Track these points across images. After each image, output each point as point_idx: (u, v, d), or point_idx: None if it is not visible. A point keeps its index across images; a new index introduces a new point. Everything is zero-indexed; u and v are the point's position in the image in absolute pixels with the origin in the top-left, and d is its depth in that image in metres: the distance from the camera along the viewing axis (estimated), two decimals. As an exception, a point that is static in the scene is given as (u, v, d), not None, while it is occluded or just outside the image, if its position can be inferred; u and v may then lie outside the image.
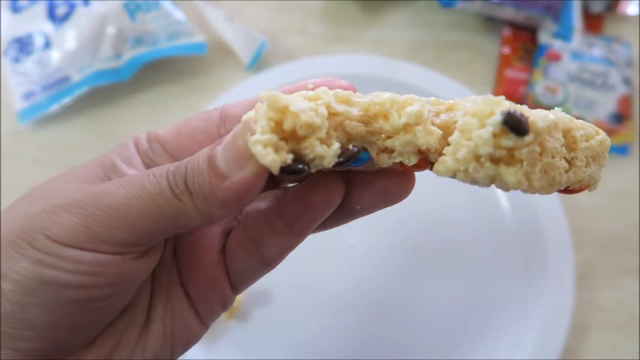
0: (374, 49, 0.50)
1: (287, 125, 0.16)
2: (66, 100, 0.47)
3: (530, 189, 0.17)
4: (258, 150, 0.16)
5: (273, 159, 0.16)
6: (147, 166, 0.21)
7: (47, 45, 0.48)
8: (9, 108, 0.48)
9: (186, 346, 0.21)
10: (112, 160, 0.20)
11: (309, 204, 0.19)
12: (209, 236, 0.22)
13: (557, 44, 0.47)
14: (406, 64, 0.46)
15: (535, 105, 0.46)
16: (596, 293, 0.42)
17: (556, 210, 0.42)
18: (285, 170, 0.17)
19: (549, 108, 0.47)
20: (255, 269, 0.21)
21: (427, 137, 0.18)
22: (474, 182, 0.18)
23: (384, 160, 0.19)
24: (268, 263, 0.21)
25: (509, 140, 0.16)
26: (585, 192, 0.49)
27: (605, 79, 0.46)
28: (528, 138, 0.16)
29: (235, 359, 0.40)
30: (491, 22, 0.51)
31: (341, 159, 0.17)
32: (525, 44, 0.49)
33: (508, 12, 0.47)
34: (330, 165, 0.17)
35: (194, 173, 0.17)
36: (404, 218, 0.43)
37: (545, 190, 0.18)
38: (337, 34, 0.51)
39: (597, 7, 0.50)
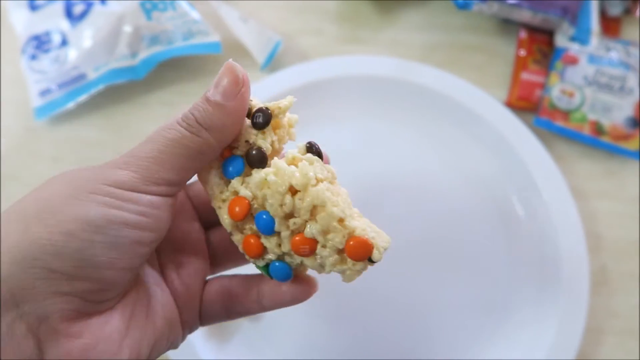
0: (388, 50, 0.50)
1: None
2: (82, 97, 0.47)
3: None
4: None
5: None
6: None
7: (64, 43, 0.48)
8: (26, 105, 0.48)
9: (172, 345, 0.24)
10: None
11: (284, 297, 0.25)
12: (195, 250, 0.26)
13: (574, 47, 0.47)
14: (421, 66, 0.46)
15: (551, 109, 0.46)
16: (611, 299, 0.42)
17: (572, 215, 0.41)
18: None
19: (565, 112, 0.47)
20: (220, 318, 0.26)
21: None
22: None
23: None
24: (230, 317, 0.26)
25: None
26: (602, 197, 0.48)
27: (623, 83, 0.46)
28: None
29: (248, 358, 0.40)
30: (507, 25, 0.51)
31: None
32: (541, 47, 0.49)
33: (525, 15, 0.47)
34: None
35: (202, 113, 0.21)
36: (418, 221, 0.43)
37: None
38: (352, 35, 0.51)
39: (614, 10, 0.50)
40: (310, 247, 0.22)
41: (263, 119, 0.23)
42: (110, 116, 0.48)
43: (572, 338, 0.38)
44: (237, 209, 0.22)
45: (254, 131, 0.23)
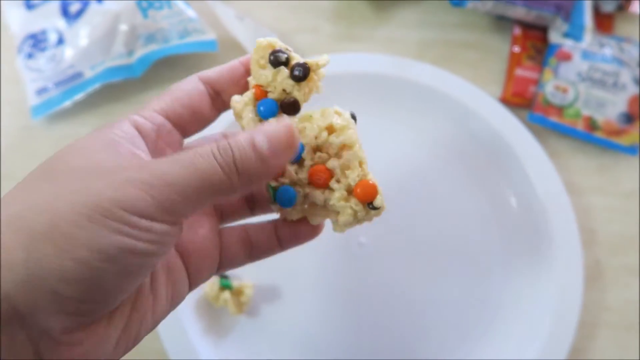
0: (384, 47, 0.50)
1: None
2: (79, 96, 0.47)
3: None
4: None
5: None
6: (154, 144, 0.24)
7: (61, 42, 0.48)
8: (23, 104, 0.48)
9: (175, 307, 0.25)
10: (112, 138, 0.22)
11: (298, 232, 0.27)
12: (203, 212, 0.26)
13: (567, 44, 0.47)
14: (416, 63, 0.46)
15: (546, 105, 0.46)
16: (605, 293, 0.42)
17: (566, 210, 0.42)
18: (271, 55, 0.25)
19: (559, 108, 0.47)
20: (241, 262, 0.27)
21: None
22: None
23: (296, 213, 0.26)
24: (252, 260, 0.27)
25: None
26: (596, 192, 0.49)
27: (616, 79, 0.46)
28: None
29: (244, 355, 0.40)
30: (501, 22, 0.51)
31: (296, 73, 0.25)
32: (535, 43, 0.49)
33: (519, 12, 0.47)
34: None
35: (242, 157, 0.21)
36: (412, 217, 0.44)
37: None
38: (347, 33, 0.51)
39: (608, 7, 0.50)
40: (326, 177, 0.24)
41: (303, 74, 0.24)
42: (107, 114, 0.48)
43: (566, 332, 0.39)
44: None
45: (291, 82, 0.25)
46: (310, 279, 0.42)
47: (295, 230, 0.27)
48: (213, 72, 0.26)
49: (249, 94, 0.25)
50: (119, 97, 0.49)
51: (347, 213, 0.24)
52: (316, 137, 0.25)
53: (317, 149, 0.25)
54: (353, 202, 0.24)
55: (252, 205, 0.29)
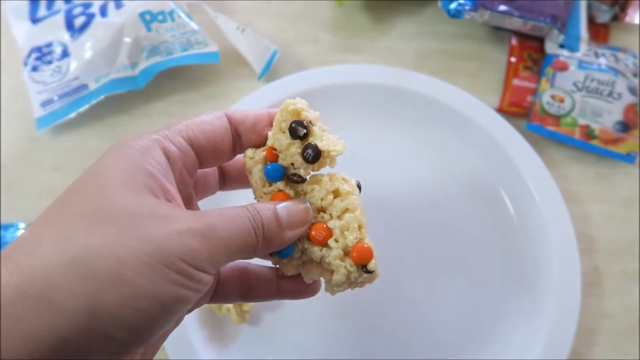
0: (383, 58, 0.51)
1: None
2: (83, 108, 0.48)
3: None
4: None
5: None
6: (180, 173, 0.24)
7: (65, 54, 0.49)
8: (28, 116, 0.49)
9: (175, 325, 0.25)
10: (149, 170, 0.22)
11: (300, 286, 0.27)
12: None
13: (563, 54, 0.48)
14: (415, 73, 0.47)
15: (542, 114, 0.47)
16: (604, 300, 0.43)
17: (563, 218, 0.42)
18: (291, 126, 0.25)
19: (556, 117, 0.48)
20: (234, 299, 0.28)
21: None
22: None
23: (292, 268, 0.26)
24: (245, 300, 0.28)
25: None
26: (594, 200, 0.49)
27: (612, 88, 0.47)
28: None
29: (247, 362, 0.40)
30: (498, 32, 0.52)
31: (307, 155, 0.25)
32: (531, 53, 0.50)
33: (515, 23, 0.48)
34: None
35: (268, 224, 0.23)
36: (412, 226, 0.44)
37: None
38: (347, 44, 0.52)
39: (603, 17, 0.51)
40: (325, 234, 0.25)
41: (312, 158, 0.25)
42: (111, 126, 0.49)
43: (565, 338, 0.39)
44: (278, 197, 0.26)
45: (301, 160, 0.25)
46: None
47: (297, 284, 0.27)
48: (240, 113, 0.26)
49: (261, 153, 0.26)
50: (122, 109, 0.50)
51: (341, 272, 0.25)
52: (322, 199, 0.26)
53: (321, 209, 0.26)
54: (348, 263, 0.25)
55: (223, 180, 0.30)
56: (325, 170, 0.27)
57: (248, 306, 0.41)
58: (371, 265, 0.25)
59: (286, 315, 0.42)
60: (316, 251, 0.25)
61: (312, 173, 0.26)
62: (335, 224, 0.25)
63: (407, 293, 0.42)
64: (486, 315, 0.41)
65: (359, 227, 0.25)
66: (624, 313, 0.42)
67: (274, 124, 0.26)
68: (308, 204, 0.25)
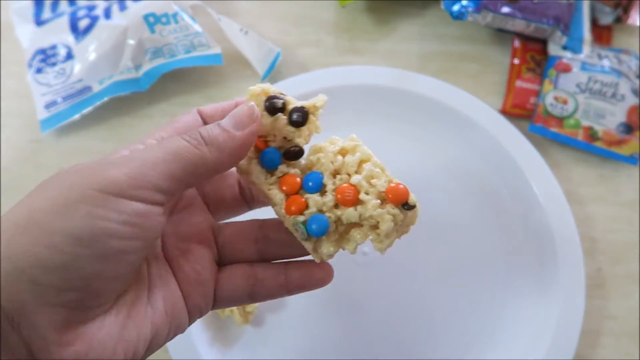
0: (386, 60, 0.51)
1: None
2: (87, 110, 0.48)
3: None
4: (253, 89, 0.25)
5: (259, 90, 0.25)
6: None
7: (69, 56, 0.49)
8: (32, 117, 0.49)
9: (177, 332, 0.24)
10: None
11: (310, 276, 0.26)
12: (202, 246, 0.26)
13: (566, 56, 0.48)
14: (418, 75, 0.47)
15: (546, 115, 0.47)
16: (608, 302, 0.43)
17: (567, 219, 0.42)
18: (267, 103, 0.25)
19: (559, 119, 0.48)
20: (241, 301, 0.26)
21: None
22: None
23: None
24: (252, 300, 0.27)
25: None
26: (597, 202, 0.49)
27: (615, 90, 0.47)
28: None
29: (250, 364, 0.40)
30: (501, 34, 0.52)
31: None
32: (534, 55, 0.50)
33: (518, 25, 0.48)
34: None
35: (208, 131, 0.22)
36: (416, 226, 0.44)
37: None
38: (349, 46, 0.52)
39: (606, 19, 0.51)
40: (354, 192, 0.24)
41: (302, 119, 0.25)
42: (114, 127, 0.49)
43: (569, 340, 0.39)
44: (288, 185, 0.25)
45: (291, 128, 0.25)
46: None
47: (306, 273, 0.26)
48: (210, 107, 0.27)
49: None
50: (126, 111, 0.50)
51: (386, 219, 0.24)
52: (332, 162, 0.25)
53: (335, 173, 0.25)
54: (389, 207, 0.24)
55: (251, 198, 0.29)
56: (314, 142, 0.26)
57: (251, 307, 0.41)
58: (411, 200, 0.24)
59: (289, 316, 0.42)
60: (351, 212, 0.24)
61: (308, 148, 0.26)
62: (358, 178, 0.24)
63: (410, 294, 0.42)
64: (490, 316, 0.41)
65: (382, 171, 0.25)
66: (627, 315, 0.42)
67: None
68: (252, 103, 0.24)
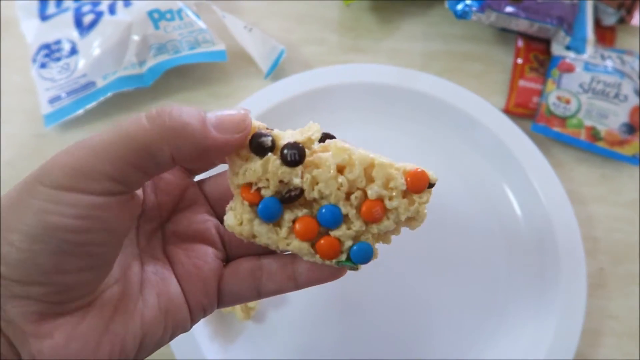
0: (389, 59, 0.51)
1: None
2: (91, 105, 0.48)
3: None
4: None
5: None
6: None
7: (74, 52, 0.49)
8: (36, 112, 0.49)
9: (177, 330, 0.24)
10: None
11: (319, 272, 0.25)
12: (208, 252, 0.25)
13: (570, 56, 0.48)
14: (421, 74, 0.47)
15: (548, 115, 0.47)
16: (609, 301, 0.43)
17: (569, 219, 0.42)
18: (253, 142, 0.21)
19: (562, 119, 0.48)
20: (248, 296, 0.25)
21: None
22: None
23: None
24: (260, 295, 0.25)
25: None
26: (599, 201, 0.49)
27: (618, 90, 0.47)
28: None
29: (251, 359, 0.40)
30: (505, 34, 0.52)
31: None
32: (537, 55, 0.50)
33: (521, 24, 0.48)
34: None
35: (178, 113, 0.20)
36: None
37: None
38: (353, 44, 0.52)
39: (609, 20, 0.51)
40: (381, 207, 0.22)
41: (298, 157, 0.21)
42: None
43: (570, 339, 0.39)
44: (306, 232, 0.22)
45: (287, 169, 0.21)
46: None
47: (317, 265, 0.24)
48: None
49: (240, 206, 0.22)
50: (129, 106, 0.50)
51: (421, 212, 0.23)
52: (339, 188, 0.22)
53: (348, 194, 0.23)
54: (417, 200, 0.23)
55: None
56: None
57: (253, 303, 0.41)
58: (433, 179, 0.23)
59: (291, 312, 0.42)
60: (387, 224, 0.23)
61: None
62: (374, 190, 0.22)
63: (412, 293, 0.42)
64: (492, 315, 0.41)
65: (391, 167, 0.22)
66: (629, 314, 0.42)
67: (229, 164, 0.22)
68: (247, 110, 0.21)
